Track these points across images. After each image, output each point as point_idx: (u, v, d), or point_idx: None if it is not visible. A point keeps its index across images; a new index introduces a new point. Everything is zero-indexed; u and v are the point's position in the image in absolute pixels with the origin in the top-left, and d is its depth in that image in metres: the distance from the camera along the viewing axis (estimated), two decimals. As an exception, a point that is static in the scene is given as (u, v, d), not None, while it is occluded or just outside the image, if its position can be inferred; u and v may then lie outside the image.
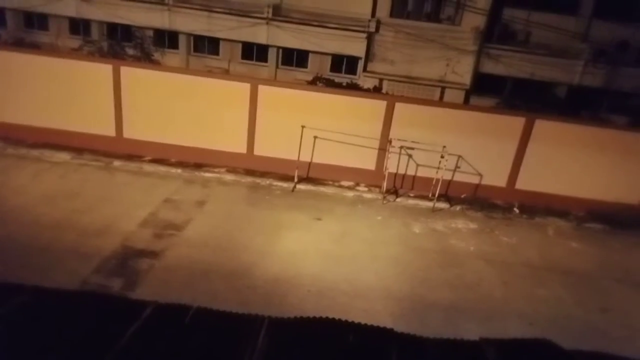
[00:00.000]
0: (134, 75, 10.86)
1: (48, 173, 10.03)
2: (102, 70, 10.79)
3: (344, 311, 6.68)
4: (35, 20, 20.56)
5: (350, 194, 10.79)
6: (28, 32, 20.49)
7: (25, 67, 10.92)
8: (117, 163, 10.84)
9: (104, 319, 4.03)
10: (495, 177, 11.05)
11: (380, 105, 10.75)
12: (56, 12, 19.86)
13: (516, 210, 10.91)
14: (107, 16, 19.46)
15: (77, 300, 4.58)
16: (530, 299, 7.59)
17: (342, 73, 19.80)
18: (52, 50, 18.12)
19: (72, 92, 10.96)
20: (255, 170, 11.18)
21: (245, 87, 10.75)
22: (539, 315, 7.20)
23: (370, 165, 11.14)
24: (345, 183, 11.18)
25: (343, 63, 19.86)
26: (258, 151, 11.20)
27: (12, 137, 11.14)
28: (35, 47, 17.99)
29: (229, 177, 10.87)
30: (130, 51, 17.90)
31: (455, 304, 7.22)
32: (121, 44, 18.13)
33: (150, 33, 19.61)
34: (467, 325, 6.73)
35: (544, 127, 10.69)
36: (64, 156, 10.83)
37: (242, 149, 11.19)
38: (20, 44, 18.17)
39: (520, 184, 11.13)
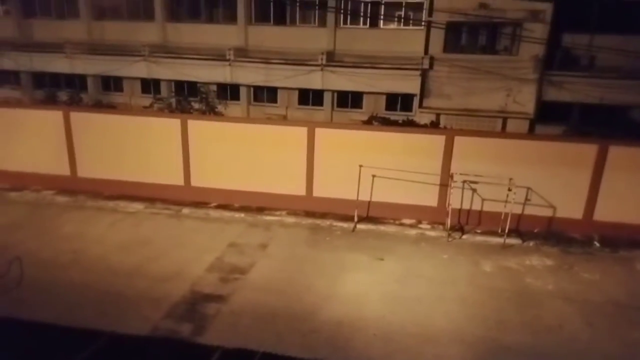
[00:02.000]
0: (200, 128, 11.52)
1: (123, 222, 10.66)
2: (171, 125, 11.55)
3: (413, 357, 6.37)
4: (112, 83, 22.66)
5: (412, 232, 10.51)
6: (105, 94, 22.54)
7: (103, 125, 11.93)
8: (185, 210, 11.34)
9: (174, 365, 4.12)
10: (571, 208, 10.34)
11: (438, 140, 10.57)
12: (129, 74, 21.81)
13: (596, 243, 10.09)
14: (174, 75, 21.06)
15: (149, 345, 4.72)
16: (622, 342, 6.86)
17: (397, 111, 19.79)
18: (126, 109, 19.72)
19: (144, 146, 11.78)
20: (315, 211, 11.25)
21: (303, 131, 11.03)
22: (634, 360, 6.48)
23: (432, 201, 10.85)
24: (406, 221, 10.93)
25: (398, 101, 19.89)
26: (317, 193, 11.30)
27: (91, 190, 12.07)
28: (111, 107, 19.65)
29: (290, 219, 11.00)
30: (196, 105, 19.02)
31: (535, 349, 6.66)
32: (188, 99, 19.34)
33: (214, 87, 20.86)
34: (551, 372, 6.17)
35: (620, 152, 9.98)
36: (137, 206, 11.51)
37: (301, 191, 11.35)
38: (99, 106, 19.93)
39: (599, 215, 10.32)
